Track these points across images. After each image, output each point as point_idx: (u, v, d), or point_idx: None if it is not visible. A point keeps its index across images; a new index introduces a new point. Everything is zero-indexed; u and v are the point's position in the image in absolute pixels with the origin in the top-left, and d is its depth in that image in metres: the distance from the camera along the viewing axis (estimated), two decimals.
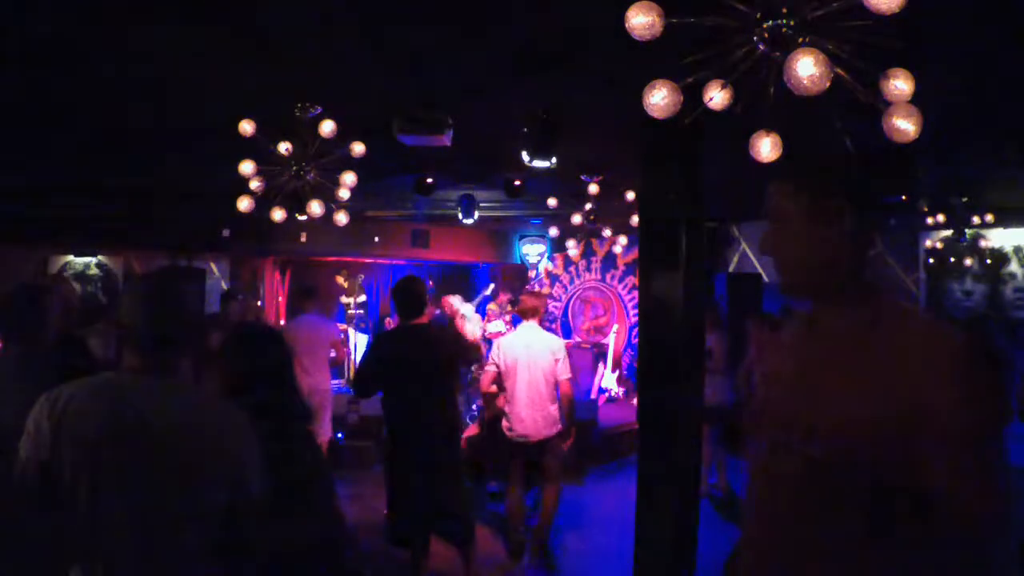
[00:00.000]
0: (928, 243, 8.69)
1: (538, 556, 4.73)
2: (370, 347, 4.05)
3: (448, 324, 6.91)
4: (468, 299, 10.26)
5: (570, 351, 5.52)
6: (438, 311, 8.13)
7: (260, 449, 1.82)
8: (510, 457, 4.85)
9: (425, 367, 3.76)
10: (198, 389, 1.78)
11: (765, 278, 8.72)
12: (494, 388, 4.95)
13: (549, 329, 7.44)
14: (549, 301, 10.59)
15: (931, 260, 8.69)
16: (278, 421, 2.30)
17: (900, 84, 2.53)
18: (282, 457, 2.18)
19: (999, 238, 8.26)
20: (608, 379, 9.37)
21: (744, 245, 9.36)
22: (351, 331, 9.28)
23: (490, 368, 4.92)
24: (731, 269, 9.55)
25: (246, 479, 1.77)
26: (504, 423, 4.83)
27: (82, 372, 1.82)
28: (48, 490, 1.60)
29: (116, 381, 1.72)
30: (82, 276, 10.08)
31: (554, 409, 4.77)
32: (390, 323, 10.34)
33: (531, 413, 4.68)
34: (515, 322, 10.14)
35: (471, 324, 9.92)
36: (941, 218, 7.64)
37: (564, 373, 4.80)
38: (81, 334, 3.79)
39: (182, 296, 1.82)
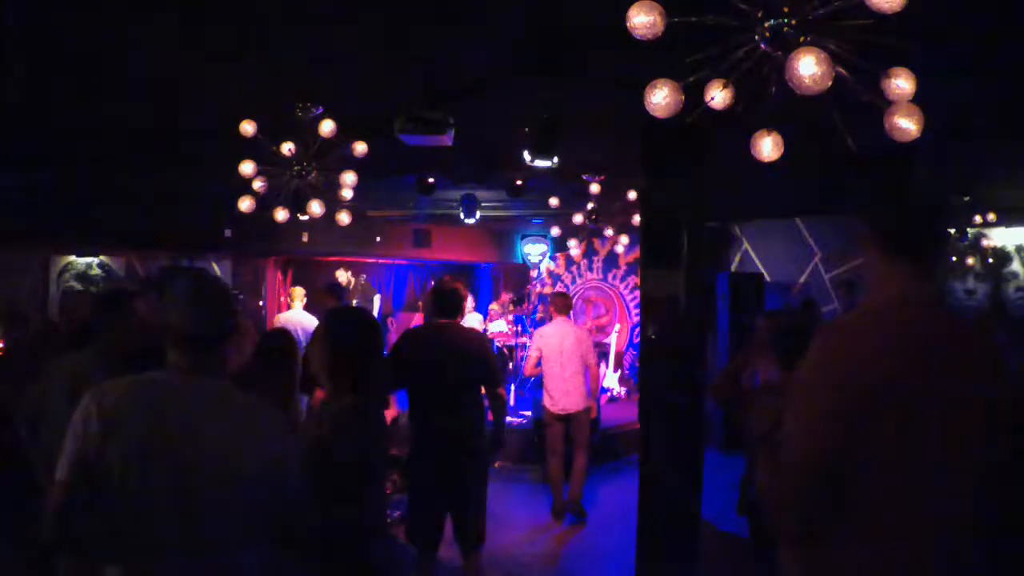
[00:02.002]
0: None
1: (575, 511, 5.69)
2: (393, 344, 3.97)
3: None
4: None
5: None
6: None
7: (302, 450, 1.83)
8: (547, 429, 5.85)
9: (449, 365, 3.69)
10: (241, 389, 1.78)
11: (767, 277, 8.71)
12: (538, 370, 5.83)
13: None
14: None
15: None
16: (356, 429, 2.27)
17: (901, 83, 2.52)
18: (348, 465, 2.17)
19: (1001, 237, 8.24)
20: (610, 378, 9.37)
21: (746, 244, 9.33)
22: None
23: (533, 354, 5.87)
24: (733, 269, 9.53)
25: (287, 480, 1.76)
26: (546, 400, 5.79)
27: None
28: (94, 486, 1.59)
29: (165, 381, 1.72)
30: (84, 276, 10.10)
31: (584, 389, 5.77)
32: (392, 323, 10.35)
33: (571, 390, 5.68)
34: (517, 321, 10.18)
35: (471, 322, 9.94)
36: None
37: (592, 358, 5.88)
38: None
39: (226, 295, 1.82)
